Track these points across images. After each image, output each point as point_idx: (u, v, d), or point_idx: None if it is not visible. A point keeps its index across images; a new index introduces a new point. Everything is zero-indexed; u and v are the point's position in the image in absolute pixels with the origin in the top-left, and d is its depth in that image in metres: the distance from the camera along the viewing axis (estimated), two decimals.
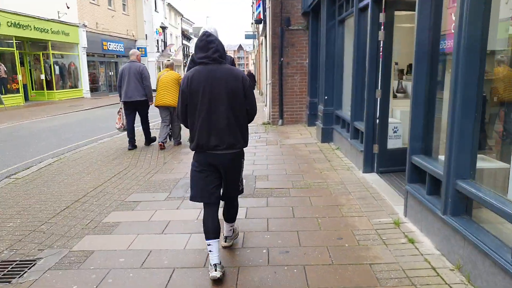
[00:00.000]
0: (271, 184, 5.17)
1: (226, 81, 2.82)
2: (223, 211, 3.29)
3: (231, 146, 2.87)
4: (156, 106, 7.64)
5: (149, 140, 8.02)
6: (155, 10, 35.60)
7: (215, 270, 2.82)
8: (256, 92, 27.36)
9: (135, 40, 33.25)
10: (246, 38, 27.74)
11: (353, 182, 5.12)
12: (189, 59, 4.77)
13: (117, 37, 29.43)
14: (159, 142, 7.70)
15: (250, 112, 2.99)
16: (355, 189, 4.85)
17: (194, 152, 2.98)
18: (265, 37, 10.95)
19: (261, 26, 13.33)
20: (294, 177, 5.45)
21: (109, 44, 28.00)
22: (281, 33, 10.06)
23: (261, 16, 10.66)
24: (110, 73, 29.40)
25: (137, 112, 7.63)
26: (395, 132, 5.43)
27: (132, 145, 7.72)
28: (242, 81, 2.88)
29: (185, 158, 7.18)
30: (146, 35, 34.00)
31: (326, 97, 7.64)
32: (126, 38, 31.14)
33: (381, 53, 5.17)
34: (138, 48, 33.55)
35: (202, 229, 3.00)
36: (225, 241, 3.38)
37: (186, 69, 5.19)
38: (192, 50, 61.06)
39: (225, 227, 3.37)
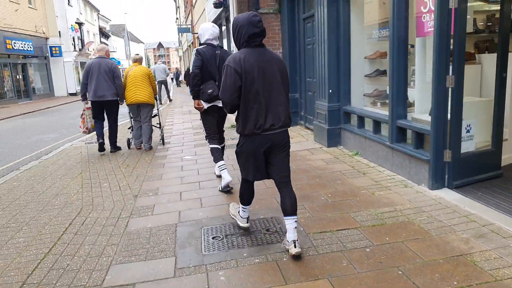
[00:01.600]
0: (323, 223, 3.48)
1: (276, 62, 2.92)
2: (283, 203, 2.99)
3: (286, 124, 2.93)
4: (128, 105, 6.94)
5: (115, 146, 7.20)
6: (68, 4, 31.48)
7: (247, 222, 3.37)
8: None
9: (47, 38, 29.03)
10: (179, 32, 25.40)
11: (435, 207, 3.62)
12: (194, 53, 4.48)
13: (23, 35, 25.22)
14: (136, 145, 7.23)
15: (289, 90, 3.03)
16: (450, 219, 3.34)
17: (242, 135, 2.94)
18: (227, 24, 9.15)
19: (215, 12, 11.44)
20: (345, 206, 3.81)
21: (14, 43, 23.81)
22: None
23: None
24: (17, 77, 25.10)
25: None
26: (468, 131, 4.05)
27: (101, 147, 7.02)
28: (284, 64, 3.02)
29: (167, 172, 5.26)
30: (59, 32, 29.88)
31: (330, 91, 6.09)
32: (35, 36, 26.93)
33: (452, 26, 3.74)
34: (51, 47, 29.47)
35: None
36: (295, 246, 2.84)
37: (192, 64, 4.51)
38: (112, 49, 56.27)
39: (288, 226, 2.92)
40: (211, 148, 4.70)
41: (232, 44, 9.03)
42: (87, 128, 6.94)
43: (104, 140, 6.99)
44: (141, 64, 7.20)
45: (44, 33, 28.48)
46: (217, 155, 4.66)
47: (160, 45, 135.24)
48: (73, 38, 32.04)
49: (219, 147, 4.76)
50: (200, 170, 5.56)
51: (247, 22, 2.83)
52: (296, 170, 5.14)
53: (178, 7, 40.72)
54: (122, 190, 4.91)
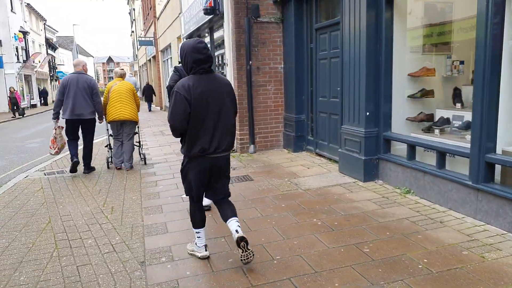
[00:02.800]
0: None
1: (225, 88, 3.05)
2: (225, 212, 3.18)
3: (229, 148, 3.10)
4: (109, 122, 6.59)
5: (89, 167, 6.67)
6: (11, 11, 28.67)
7: (206, 250, 3.25)
8: (155, 107, 23.44)
9: None
10: (141, 45, 23.67)
11: None
12: (173, 70, 4.65)
13: None
14: (116, 165, 6.76)
15: (235, 114, 3.20)
16: None
17: (187, 156, 3.06)
18: (224, 32, 7.93)
19: (197, 22, 10.16)
20: (462, 282, 2.70)
21: None
22: (248, 27, 7.19)
23: (212, 4, 7.63)
24: None
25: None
26: None
27: (74, 168, 6.44)
28: (231, 86, 3.15)
29: (171, 220, 3.72)
30: (0, 41, 26.97)
31: (367, 113, 5.06)
32: None
33: None
34: None
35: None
36: (237, 232, 3.01)
37: (169, 79, 4.63)
38: (59, 62, 52.62)
39: (232, 226, 3.06)
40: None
41: (226, 55, 7.85)
42: (58, 149, 6.57)
43: (78, 159, 6.41)
44: (124, 79, 6.87)
45: None
46: None
47: (110, 59, 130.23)
48: (16, 48, 29.12)
49: None
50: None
51: (192, 49, 2.93)
52: (350, 218, 3.98)
53: (134, 20, 38.78)
54: (118, 251, 3.49)
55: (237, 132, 7.61)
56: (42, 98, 36.80)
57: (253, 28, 7.30)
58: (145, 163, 7.06)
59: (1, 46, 26.94)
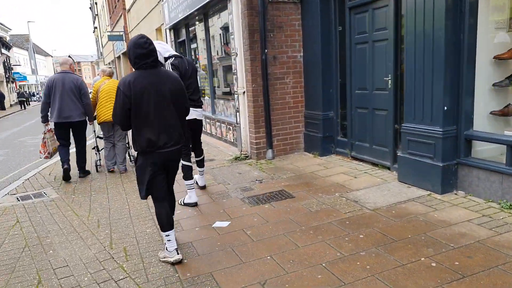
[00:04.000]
0: None
1: (170, 83, 3.02)
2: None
3: (177, 142, 3.09)
4: (100, 123, 6.27)
5: (84, 170, 6.30)
6: None
7: (177, 254, 3.08)
8: None
9: None
10: (110, 40, 21.78)
11: None
12: (170, 67, 4.19)
13: None
14: (109, 168, 6.41)
15: (186, 109, 3.22)
16: None
17: (139, 153, 3.07)
18: (232, 15, 6.64)
19: (188, 7, 8.77)
20: None
21: None
22: (262, 8, 5.98)
23: None
24: None
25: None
26: None
27: (67, 175, 6.00)
28: (179, 81, 3.12)
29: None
30: None
31: (445, 108, 4.01)
32: None
33: None
34: None
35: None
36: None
37: None
38: (14, 62, 48.92)
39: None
40: (183, 164, 4.37)
41: (235, 44, 6.59)
42: (49, 153, 6.17)
43: (69, 166, 6.05)
44: (112, 77, 6.49)
45: None
46: (189, 173, 4.44)
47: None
48: None
49: (191, 165, 4.51)
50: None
51: (133, 44, 2.95)
52: (469, 253, 2.91)
53: (97, 15, 36.33)
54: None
55: (251, 135, 6.42)
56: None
57: (268, 10, 6.10)
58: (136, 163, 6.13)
59: None
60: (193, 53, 10.31)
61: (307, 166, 5.75)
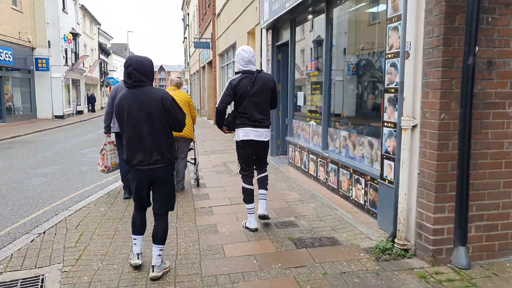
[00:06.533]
0: None
1: (150, 101, 3.07)
2: (154, 231, 3.27)
3: (156, 161, 3.10)
4: None
5: None
6: (63, 10, 26.49)
7: (138, 258, 3.31)
8: (207, 120, 19.72)
9: (33, 48, 23.79)
10: (195, 47, 20.21)
11: None
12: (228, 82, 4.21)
13: (1, 41, 19.93)
14: None
15: (174, 126, 3.23)
16: None
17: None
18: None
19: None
20: None
21: None
22: None
23: None
24: None
25: None
26: None
27: (130, 191, 5.55)
28: (162, 100, 3.09)
29: None
30: (49, 41, 24.70)
31: None
32: (17, 44, 21.67)
33: None
34: (37, 59, 24.19)
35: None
36: (153, 271, 3.18)
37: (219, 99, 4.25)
38: (111, 67, 51.32)
39: (153, 252, 3.24)
40: (243, 187, 4.31)
41: (406, 38, 3.62)
42: (105, 167, 5.74)
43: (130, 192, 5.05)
44: (180, 88, 5.92)
45: (30, 41, 23.25)
46: (249, 197, 4.28)
47: (161, 68, 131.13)
48: (65, 51, 26.83)
49: (252, 188, 4.29)
50: None
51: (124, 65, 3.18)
52: None
53: (188, 25, 35.97)
54: None
55: (423, 211, 3.31)
56: (90, 105, 34.69)
57: None
58: (198, 185, 6.33)
59: (49, 47, 24.67)
60: (297, 60, 7.55)
61: None
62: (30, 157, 10.16)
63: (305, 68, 7.13)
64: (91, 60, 34.51)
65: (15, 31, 21.40)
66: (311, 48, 6.92)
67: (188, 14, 35.81)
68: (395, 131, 3.80)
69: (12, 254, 3.96)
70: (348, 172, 5.15)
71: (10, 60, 20.79)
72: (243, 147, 4.22)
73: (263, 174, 4.42)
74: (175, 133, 5.91)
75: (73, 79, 29.38)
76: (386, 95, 3.98)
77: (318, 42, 6.45)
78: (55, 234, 4.45)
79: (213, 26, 18.64)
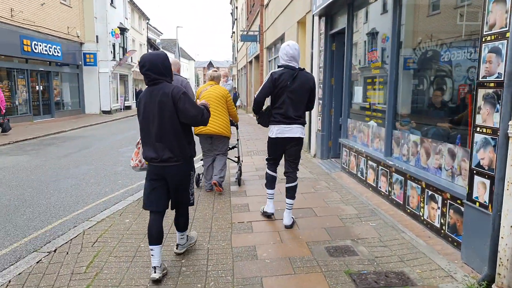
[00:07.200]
0: None
1: (161, 98, 3.03)
2: (176, 220, 3.41)
3: (166, 159, 3.06)
4: (196, 135, 5.16)
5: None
6: (111, 5, 26.72)
7: (155, 272, 3.03)
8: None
9: (81, 43, 24.14)
10: (242, 40, 19.42)
11: None
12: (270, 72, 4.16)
13: (50, 36, 20.24)
14: (206, 188, 5.62)
15: (188, 121, 3.12)
16: None
17: None
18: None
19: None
20: None
21: (36, 45, 18.77)
22: None
23: None
24: (37, 88, 19.99)
25: None
26: None
27: None
28: (171, 95, 3.02)
29: None
30: (97, 36, 24.99)
31: None
32: (66, 39, 21.99)
33: None
34: (85, 54, 24.55)
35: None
36: (177, 248, 3.50)
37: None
38: None
39: (177, 235, 3.48)
40: (266, 173, 4.42)
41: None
42: (140, 162, 4.78)
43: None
44: (218, 83, 5.68)
45: (78, 36, 23.60)
46: (271, 184, 4.38)
47: (210, 64, 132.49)
48: (113, 45, 27.08)
49: (274, 175, 4.39)
50: None
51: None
52: None
53: (236, 19, 35.32)
54: None
55: None
56: (137, 100, 35.10)
57: None
58: (239, 184, 6.00)
59: (97, 42, 24.96)
60: (354, 51, 6.43)
61: None
62: (66, 156, 9.77)
63: (367, 58, 6.00)
64: (139, 55, 34.88)
65: (64, 26, 21.72)
66: (373, 34, 5.78)
67: (236, 8, 35.21)
68: (494, 139, 2.85)
69: (10, 281, 3.29)
70: (419, 186, 4.11)
71: (59, 55, 21.12)
72: (276, 143, 4.21)
73: (291, 184, 4.27)
74: (209, 130, 5.28)
75: (121, 74, 29.72)
76: (481, 91, 2.99)
77: (382, 28, 5.32)
78: (67, 253, 3.77)
79: (261, 17, 17.73)
